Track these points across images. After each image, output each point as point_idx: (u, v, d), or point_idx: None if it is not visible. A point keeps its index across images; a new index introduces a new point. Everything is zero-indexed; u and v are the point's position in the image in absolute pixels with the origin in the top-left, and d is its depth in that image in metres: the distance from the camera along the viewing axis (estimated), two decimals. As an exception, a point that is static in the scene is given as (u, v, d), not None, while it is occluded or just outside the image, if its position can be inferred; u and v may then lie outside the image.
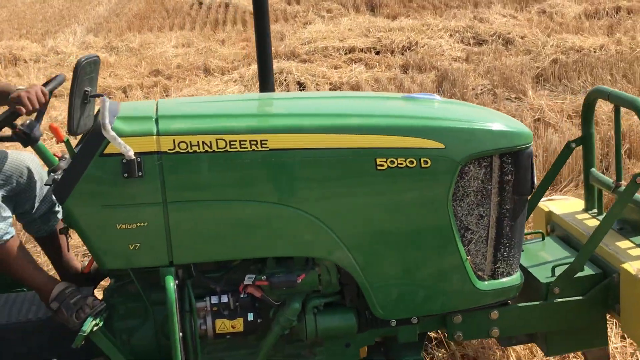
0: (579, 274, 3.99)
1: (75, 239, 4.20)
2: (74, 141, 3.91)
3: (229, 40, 18.60)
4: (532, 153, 3.83)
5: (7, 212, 3.75)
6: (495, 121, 3.85)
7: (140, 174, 3.51)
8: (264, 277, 3.75)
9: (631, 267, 3.81)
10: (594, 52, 14.43)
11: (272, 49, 15.70)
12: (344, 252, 3.70)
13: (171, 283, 3.59)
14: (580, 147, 4.47)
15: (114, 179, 3.53)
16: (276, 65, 14.11)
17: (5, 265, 3.77)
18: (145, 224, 3.59)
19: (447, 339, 4.19)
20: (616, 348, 4.88)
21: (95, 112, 3.80)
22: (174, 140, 3.56)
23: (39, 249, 4.39)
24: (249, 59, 15.75)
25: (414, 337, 4.00)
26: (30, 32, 20.37)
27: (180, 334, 3.60)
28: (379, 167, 3.64)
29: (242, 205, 3.64)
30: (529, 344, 4.47)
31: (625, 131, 8.59)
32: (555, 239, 4.45)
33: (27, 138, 3.74)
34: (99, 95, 3.72)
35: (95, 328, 3.65)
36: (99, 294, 4.21)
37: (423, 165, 3.65)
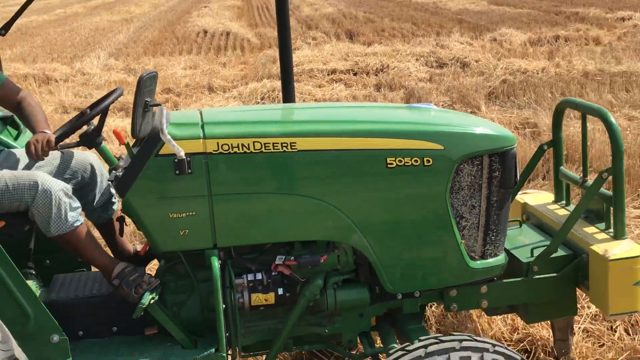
0: (554, 255, 4.02)
1: (129, 225, 4.18)
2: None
3: (229, 63, 18.51)
4: (516, 153, 3.86)
5: (77, 203, 3.75)
6: (485, 126, 3.88)
7: (189, 171, 3.53)
8: (292, 257, 3.77)
9: (599, 248, 3.85)
10: (537, 73, 14.36)
11: (267, 70, 15.82)
12: (359, 237, 3.72)
13: (216, 263, 3.60)
14: (551, 149, 4.50)
15: (167, 176, 3.55)
16: (270, 84, 14.11)
17: (75, 248, 3.77)
18: (194, 213, 3.61)
19: (444, 310, 4.21)
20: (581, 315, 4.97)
21: (152, 119, 3.82)
22: (217, 143, 3.58)
23: (98, 234, 4.38)
24: (247, 79, 15.66)
25: (416, 308, 4.03)
26: (60, 56, 20.24)
27: (223, 306, 3.63)
28: (389, 165, 3.66)
29: (275, 197, 3.66)
30: (511, 314, 4.48)
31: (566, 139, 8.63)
32: (530, 226, 4.47)
33: (91, 141, 3.76)
34: (157, 105, 3.75)
35: (151, 301, 3.65)
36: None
37: (425, 163, 3.67)
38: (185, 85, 15.48)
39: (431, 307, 5.13)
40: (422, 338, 3.53)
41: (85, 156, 4.15)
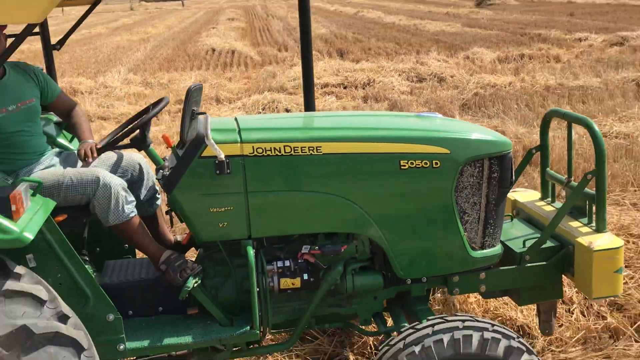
0: (543, 246, 4.04)
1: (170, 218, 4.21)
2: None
3: (235, 77, 18.45)
4: (512, 157, 3.88)
5: (131, 197, 3.77)
6: (486, 133, 3.91)
7: (228, 171, 3.56)
8: (316, 247, 3.79)
9: (584, 240, 3.87)
10: (505, 87, 14.32)
11: (267, 84, 15.80)
12: (375, 229, 3.74)
13: (251, 252, 3.63)
14: (539, 153, 4.51)
15: (209, 175, 3.57)
16: (270, 96, 14.04)
17: (129, 236, 3.79)
18: (231, 208, 3.63)
19: (447, 293, 4.22)
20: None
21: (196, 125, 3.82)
22: (253, 147, 3.61)
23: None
24: (249, 91, 15.60)
25: (423, 292, 4.06)
26: (85, 71, 20.13)
27: (257, 289, 3.65)
28: (402, 167, 3.69)
29: (302, 194, 3.68)
30: (505, 297, 4.51)
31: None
32: (521, 220, 4.49)
33: (141, 144, 3.78)
34: (202, 113, 3.77)
35: (195, 285, 3.68)
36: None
37: (434, 165, 3.70)
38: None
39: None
40: (429, 318, 3.55)
41: (133, 157, 4.17)
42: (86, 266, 3.53)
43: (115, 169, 4.06)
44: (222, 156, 3.52)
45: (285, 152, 3.63)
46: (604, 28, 24.09)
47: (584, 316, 5.05)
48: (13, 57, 3.37)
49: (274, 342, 4.65)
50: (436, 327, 3.40)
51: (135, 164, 4.14)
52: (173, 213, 4.04)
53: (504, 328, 3.44)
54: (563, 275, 4.16)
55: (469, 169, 3.78)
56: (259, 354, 4.32)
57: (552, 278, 4.10)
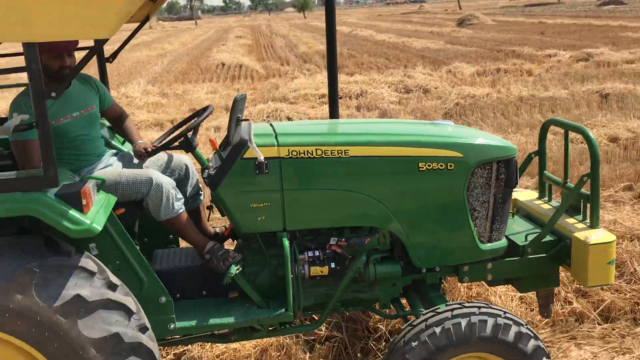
0: (543, 240, 4.04)
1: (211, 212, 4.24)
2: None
3: (242, 89, 18.42)
4: (517, 160, 3.89)
5: (180, 194, 3.77)
6: (494, 139, 3.91)
7: (266, 171, 3.56)
8: (343, 239, 3.79)
9: (581, 235, 3.87)
10: (483, 98, 14.27)
11: (271, 94, 15.79)
12: (395, 224, 3.74)
13: (286, 242, 3.63)
14: (537, 157, 4.51)
15: (250, 175, 3.58)
16: (273, 105, 14.04)
17: (178, 229, 3.79)
18: (269, 203, 3.63)
19: (458, 281, 4.22)
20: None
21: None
22: (288, 149, 3.61)
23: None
24: (255, 101, 15.52)
25: (436, 280, 4.06)
26: (109, 83, 20.10)
27: (292, 276, 3.66)
28: (420, 169, 3.69)
29: (331, 192, 3.68)
30: (508, 285, 4.50)
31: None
32: (521, 217, 4.48)
33: (189, 146, 3.78)
34: (246, 120, 3.77)
35: (237, 271, 3.69)
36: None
37: (449, 168, 3.70)
38: (208, 107, 15.35)
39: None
40: (448, 303, 3.55)
41: (180, 158, 4.17)
42: None
43: (165, 169, 4.07)
44: (262, 158, 3.53)
45: (316, 155, 3.63)
46: (571, 45, 24.12)
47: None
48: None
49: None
50: (455, 312, 3.41)
51: (182, 164, 4.14)
52: (213, 208, 4.04)
53: (513, 315, 3.45)
54: (561, 266, 4.15)
55: (479, 171, 3.78)
56: (291, 333, 4.32)
57: (551, 268, 4.09)
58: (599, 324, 4.85)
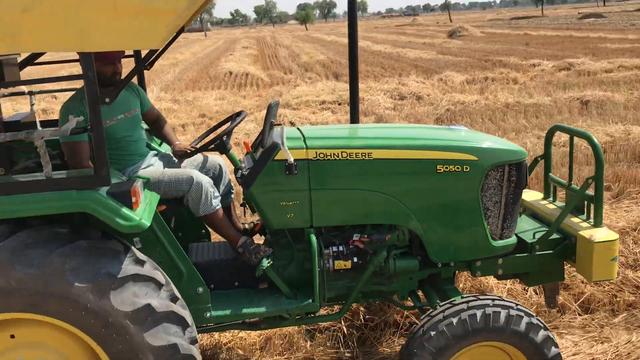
0: (550, 238, 4.01)
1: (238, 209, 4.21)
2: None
3: (248, 95, 18.41)
4: (527, 163, 3.87)
5: (217, 192, 3.77)
6: (506, 144, 3.89)
7: (296, 172, 3.54)
8: (365, 235, 3.77)
9: (585, 234, 3.85)
10: (472, 104, 14.25)
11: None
12: (414, 221, 3.72)
13: (314, 238, 3.62)
14: (542, 160, 4.48)
15: (280, 175, 3.56)
16: (277, 111, 13.97)
17: (214, 224, 3.79)
18: (297, 202, 3.62)
19: (471, 276, 4.20)
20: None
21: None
22: (316, 152, 3.59)
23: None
24: (260, 107, 15.51)
25: (450, 274, 4.05)
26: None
27: (318, 269, 3.64)
28: (438, 171, 3.67)
29: (355, 192, 3.66)
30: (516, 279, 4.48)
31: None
32: (528, 216, 4.45)
33: (223, 148, 3.76)
34: (279, 124, 3.75)
35: (268, 264, 3.68)
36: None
37: (464, 170, 3.68)
38: (216, 112, 15.35)
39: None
40: (464, 296, 3.54)
41: (214, 159, 4.16)
42: None
43: (201, 168, 4.05)
44: (292, 160, 3.51)
45: (342, 157, 3.61)
46: (554, 55, 24.14)
47: (537, 294, 5.07)
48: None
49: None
50: (470, 304, 3.40)
51: (216, 165, 4.12)
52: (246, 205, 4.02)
53: (524, 308, 3.43)
54: (566, 262, 4.12)
55: (493, 173, 3.76)
56: (316, 322, 4.30)
57: (557, 264, 4.07)
58: (579, 314, 4.86)
